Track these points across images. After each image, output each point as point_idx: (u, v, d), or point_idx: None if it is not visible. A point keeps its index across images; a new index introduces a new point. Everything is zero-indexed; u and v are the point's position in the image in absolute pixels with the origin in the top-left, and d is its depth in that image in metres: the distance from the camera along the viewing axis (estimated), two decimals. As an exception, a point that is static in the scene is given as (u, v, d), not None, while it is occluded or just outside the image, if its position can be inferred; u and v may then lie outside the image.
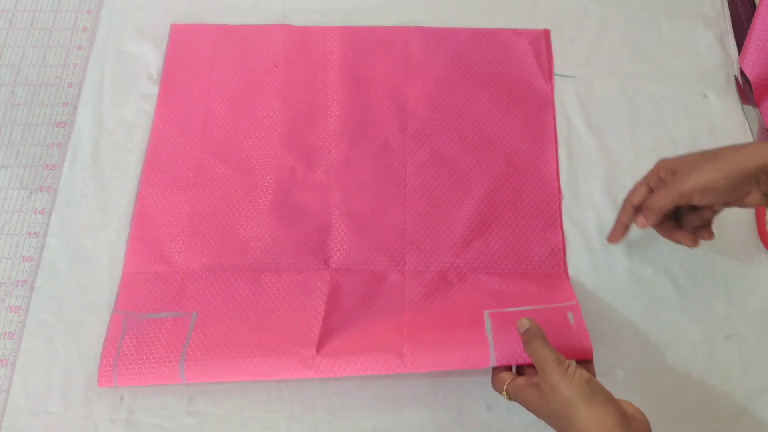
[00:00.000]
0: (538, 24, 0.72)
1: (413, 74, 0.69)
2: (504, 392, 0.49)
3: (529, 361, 0.49)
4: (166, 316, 0.58)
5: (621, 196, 0.63)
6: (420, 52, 0.70)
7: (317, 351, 0.54)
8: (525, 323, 0.49)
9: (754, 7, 0.71)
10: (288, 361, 0.54)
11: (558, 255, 0.61)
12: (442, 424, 0.55)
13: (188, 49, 0.71)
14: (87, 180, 0.65)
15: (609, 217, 0.63)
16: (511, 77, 0.69)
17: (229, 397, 0.56)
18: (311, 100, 0.68)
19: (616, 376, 0.57)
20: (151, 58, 0.71)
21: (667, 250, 0.61)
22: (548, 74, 0.69)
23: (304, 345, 0.55)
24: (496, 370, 0.51)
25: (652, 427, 0.44)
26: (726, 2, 0.74)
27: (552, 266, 0.60)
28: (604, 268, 0.61)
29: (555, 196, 0.63)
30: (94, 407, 0.56)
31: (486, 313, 0.55)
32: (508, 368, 0.51)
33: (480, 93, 0.68)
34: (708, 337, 0.58)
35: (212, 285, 0.60)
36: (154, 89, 0.69)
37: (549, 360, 0.45)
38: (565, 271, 0.60)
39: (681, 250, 0.61)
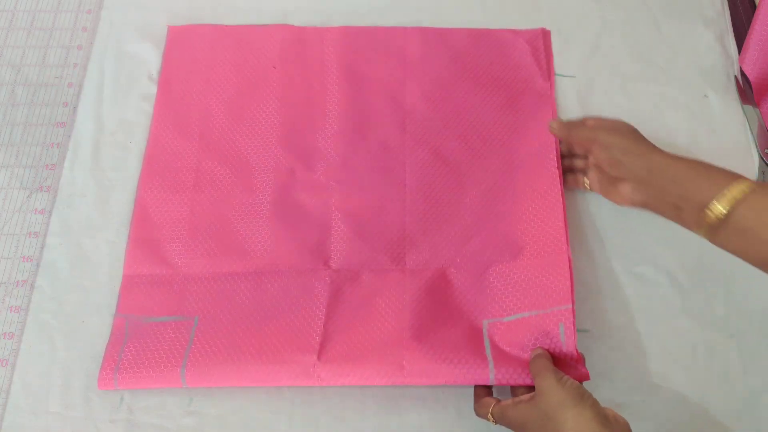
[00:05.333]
0: (538, 24, 0.72)
1: (411, 74, 0.69)
2: (489, 415, 0.51)
3: (525, 382, 0.53)
4: (168, 320, 0.58)
5: (621, 196, 0.63)
6: (418, 52, 0.70)
7: (318, 358, 0.55)
8: (537, 350, 0.54)
9: (754, 7, 0.71)
10: (289, 368, 0.55)
11: (561, 243, 0.58)
12: (442, 425, 0.55)
13: (186, 51, 0.71)
14: (87, 180, 0.65)
15: (609, 216, 0.63)
16: (509, 76, 0.69)
17: (229, 397, 0.56)
18: (309, 101, 0.68)
19: (616, 377, 0.57)
20: (151, 58, 0.71)
21: (667, 250, 0.61)
22: (547, 72, 0.69)
23: (305, 352, 0.55)
24: (478, 396, 0.54)
25: (653, 426, 0.46)
26: (726, 2, 0.74)
27: (555, 253, 0.58)
28: (604, 268, 0.61)
29: (556, 188, 0.61)
30: (94, 407, 0.56)
31: (485, 324, 0.56)
32: (489, 394, 0.54)
33: (478, 92, 0.68)
34: (708, 337, 0.58)
35: (213, 288, 0.60)
36: (154, 89, 0.69)
37: (547, 369, 0.50)
38: (568, 256, 0.57)
39: (681, 249, 0.61)
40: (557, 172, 0.62)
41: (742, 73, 0.69)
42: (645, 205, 0.53)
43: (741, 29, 0.72)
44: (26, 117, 0.69)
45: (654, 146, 0.54)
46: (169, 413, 0.56)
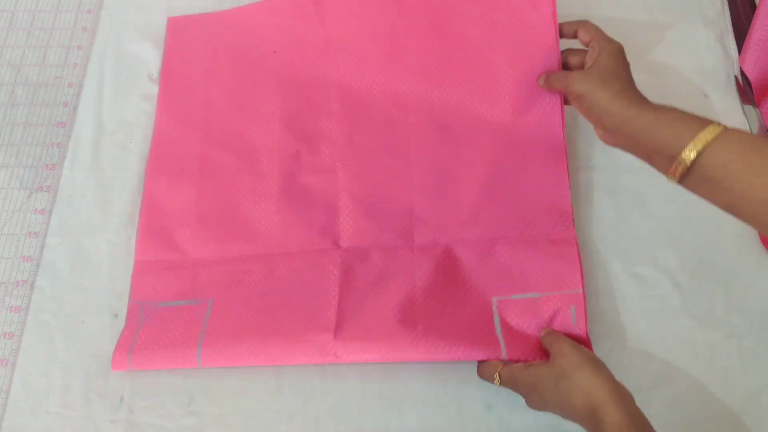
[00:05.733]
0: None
1: (411, 48, 0.67)
2: (496, 376, 0.53)
3: (535, 358, 0.54)
4: (182, 304, 0.59)
5: (621, 195, 0.63)
6: (416, 23, 0.67)
7: (334, 336, 0.55)
8: (547, 329, 0.56)
9: (754, 7, 0.71)
10: (305, 347, 0.55)
11: (567, 218, 0.60)
12: (442, 424, 0.55)
13: (186, 41, 0.70)
14: (87, 180, 0.65)
15: (609, 217, 0.63)
16: (511, 37, 0.64)
17: (229, 397, 0.56)
18: (311, 84, 0.67)
19: (616, 377, 0.56)
20: (151, 58, 0.71)
21: (667, 250, 0.61)
22: (552, 24, 0.63)
23: (321, 331, 0.56)
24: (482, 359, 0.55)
25: (653, 426, 0.47)
26: (726, 2, 0.74)
27: (562, 230, 0.59)
28: (604, 268, 0.61)
29: (562, 157, 0.61)
30: (94, 407, 0.56)
31: (494, 301, 0.57)
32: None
33: (481, 61, 0.65)
34: (708, 337, 0.58)
35: (224, 272, 0.60)
36: (154, 89, 0.69)
37: (564, 337, 0.53)
38: (574, 236, 0.59)
39: (681, 249, 0.61)
40: (562, 140, 0.62)
41: (742, 73, 0.69)
42: (618, 147, 0.54)
43: (741, 29, 0.72)
44: (26, 117, 0.69)
45: (627, 91, 0.53)
46: (169, 413, 0.56)
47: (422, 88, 0.66)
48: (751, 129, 0.66)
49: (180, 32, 0.71)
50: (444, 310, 0.57)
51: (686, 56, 0.71)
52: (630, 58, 0.70)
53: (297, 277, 0.59)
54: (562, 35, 0.62)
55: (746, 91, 0.68)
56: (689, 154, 0.46)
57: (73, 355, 0.58)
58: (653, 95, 0.68)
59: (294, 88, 0.67)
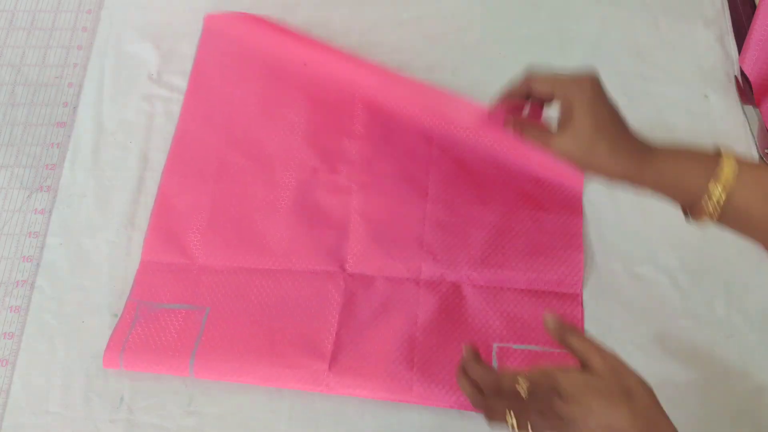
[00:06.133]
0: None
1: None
2: (508, 414, 0.43)
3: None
4: (180, 308, 0.59)
5: (620, 196, 0.63)
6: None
7: (329, 368, 0.55)
8: (549, 318, 0.47)
9: (754, 7, 0.71)
10: (298, 373, 0.55)
11: (576, 274, 0.59)
12: (442, 424, 0.55)
13: (220, 42, 0.71)
14: (87, 180, 0.65)
15: (609, 217, 0.63)
16: None
17: (229, 397, 0.56)
18: (338, 102, 0.67)
19: (616, 376, 0.57)
20: (151, 58, 0.71)
21: (667, 250, 0.61)
22: None
23: (316, 359, 0.55)
24: (474, 397, 0.47)
25: None
26: (726, 2, 0.74)
27: (569, 285, 0.59)
28: (604, 268, 0.61)
29: (578, 215, 0.62)
30: (94, 407, 0.56)
31: (495, 347, 0.56)
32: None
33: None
34: (708, 337, 0.58)
35: (227, 281, 0.60)
36: (155, 89, 0.69)
37: (601, 347, 0.44)
38: (580, 294, 0.59)
39: (681, 249, 0.61)
40: (581, 196, 0.62)
41: (742, 73, 0.69)
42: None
43: (741, 29, 0.72)
44: (26, 117, 0.69)
45: (618, 144, 0.45)
46: (169, 413, 0.56)
47: (449, 124, 0.66)
48: (751, 129, 0.66)
49: (216, 32, 0.71)
50: (442, 349, 0.56)
51: (686, 56, 0.71)
52: (630, 58, 0.71)
53: (299, 299, 0.59)
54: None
55: (746, 91, 0.68)
56: (712, 208, 0.42)
57: (73, 355, 0.58)
58: (653, 95, 0.69)
59: (321, 104, 0.67)
